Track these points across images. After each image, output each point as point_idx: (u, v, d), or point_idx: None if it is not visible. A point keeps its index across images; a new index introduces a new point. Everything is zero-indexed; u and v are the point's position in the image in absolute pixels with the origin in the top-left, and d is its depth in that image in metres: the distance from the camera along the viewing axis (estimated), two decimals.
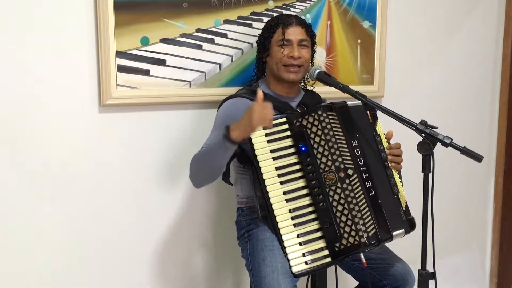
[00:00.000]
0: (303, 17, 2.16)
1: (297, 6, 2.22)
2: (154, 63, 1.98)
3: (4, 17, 1.76)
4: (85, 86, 1.91)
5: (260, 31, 1.96)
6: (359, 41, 2.37)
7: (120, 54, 1.91)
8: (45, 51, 1.83)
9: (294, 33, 1.86)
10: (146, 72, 1.97)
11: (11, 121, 1.81)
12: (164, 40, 1.98)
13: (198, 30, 2.04)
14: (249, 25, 2.12)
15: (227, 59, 2.10)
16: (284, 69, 1.86)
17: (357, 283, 2.01)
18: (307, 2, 2.24)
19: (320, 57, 2.26)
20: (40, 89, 1.84)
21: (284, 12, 2.17)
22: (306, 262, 1.71)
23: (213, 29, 2.06)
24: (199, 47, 2.05)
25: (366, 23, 2.38)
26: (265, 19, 2.02)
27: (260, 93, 1.63)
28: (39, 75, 1.83)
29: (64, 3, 1.84)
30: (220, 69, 2.09)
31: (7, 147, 1.82)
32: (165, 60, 1.99)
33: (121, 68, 1.92)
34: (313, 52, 1.96)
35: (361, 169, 1.73)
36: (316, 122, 1.75)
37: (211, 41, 2.06)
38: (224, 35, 2.09)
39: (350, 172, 1.72)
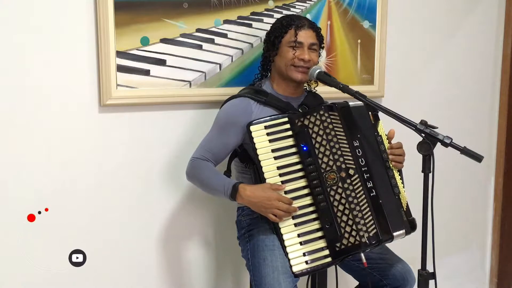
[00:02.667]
0: None
1: (297, 6, 2.22)
2: (154, 63, 1.97)
3: (4, 17, 1.76)
4: (85, 86, 1.90)
5: (261, 30, 1.96)
6: (359, 41, 2.37)
7: (120, 54, 1.91)
8: (45, 51, 1.83)
9: (306, 36, 1.86)
10: (146, 72, 1.97)
11: (11, 121, 1.81)
12: (164, 40, 1.98)
13: (198, 30, 2.04)
14: (249, 25, 2.12)
15: (227, 59, 2.10)
16: (293, 69, 1.86)
17: (357, 283, 2.01)
18: (307, 2, 2.24)
19: (320, 57, 2.25)
20: (40, 89, 1.84)
21: (284, 12, 2.16)
22: (306, 262, 1.71)
23: (213, 29, 2.06)
24: (199, 47, 2.04)
25: (366, 23, 2.38)
26: (265, 19, 2.02)
27: (283, 186, 1.72)
28: (39, 75, 1.83)
29: (64, 3, 1.84)
30: (220, 69, 2.09)
31: (7, 147, 1.82)
32: (165, 60, 1.99)
33: (121, 68, 1.92)
34: (318, 55, 1.96)
35: (362, 169, 1.73)
36: (317, 122, 1.75)
37: (211, 41, 2.06)
38: (224, 35, 2.08)
39: (351, 172, 1.72)
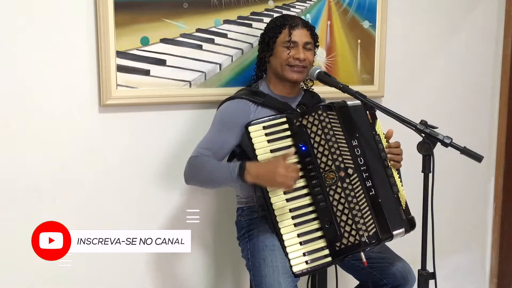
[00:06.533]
0: (303, 17, 2.17)
1: (297, 6, 2.22)
2: (154, 63, 1.98)
3: (4, 17, 1.76)
4: (85, 86, 1.91)
5: (261, 30, 1.96)
6: (359, 41, 2.37)
7: (120, 54, 1.91)
8: (45, 51, 1.83)
9: (300, 35, 1.86)
10: (146, 72, 1.97)
11: (11, 121, 1.81)
12: (164, 40, 1.98)
13: (198, 30, 2.04)
14: (249, 25, 2.12)
15: (227, 59, 2.10)
16: (289, 69, 1.86)
17: (357, 282, 2.01)
18: (307, 2, 2.24)
19: (320, 57, 2.26)
20: (40, 89, 1.84)
21: (284, 12, 2.17)
22: (306, 262, 1.71)
23: (213, 29, 2.06)
24: (199, 47, 2.05)
25: (366, 23, 2.38)
26: (265, 19, 2.03)
27: (291, 152, 1.69)
28: (39, 75, 1.83)
29: (64, 3, 1.84)
30: (220, 69, 2.09)
31: (7, 147, 1.82)
32: (165, 60, 1.99)
33: (121, 68, 1.92)
34: (314, 54, 1.96)
35: (361, 168, 1.73)
36: (316, 122, 1.75)
37: (211, 41, 2.07)
38: (224, 35, 2.09)
39: (350, 171, 1.72)
